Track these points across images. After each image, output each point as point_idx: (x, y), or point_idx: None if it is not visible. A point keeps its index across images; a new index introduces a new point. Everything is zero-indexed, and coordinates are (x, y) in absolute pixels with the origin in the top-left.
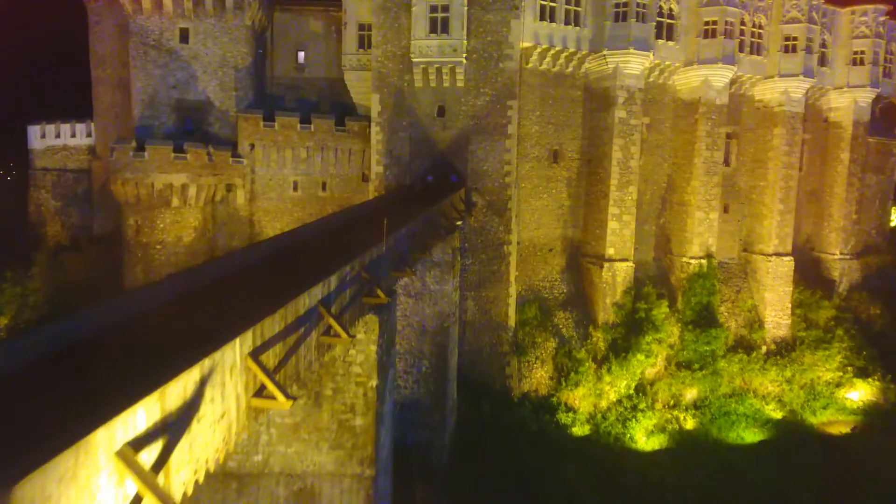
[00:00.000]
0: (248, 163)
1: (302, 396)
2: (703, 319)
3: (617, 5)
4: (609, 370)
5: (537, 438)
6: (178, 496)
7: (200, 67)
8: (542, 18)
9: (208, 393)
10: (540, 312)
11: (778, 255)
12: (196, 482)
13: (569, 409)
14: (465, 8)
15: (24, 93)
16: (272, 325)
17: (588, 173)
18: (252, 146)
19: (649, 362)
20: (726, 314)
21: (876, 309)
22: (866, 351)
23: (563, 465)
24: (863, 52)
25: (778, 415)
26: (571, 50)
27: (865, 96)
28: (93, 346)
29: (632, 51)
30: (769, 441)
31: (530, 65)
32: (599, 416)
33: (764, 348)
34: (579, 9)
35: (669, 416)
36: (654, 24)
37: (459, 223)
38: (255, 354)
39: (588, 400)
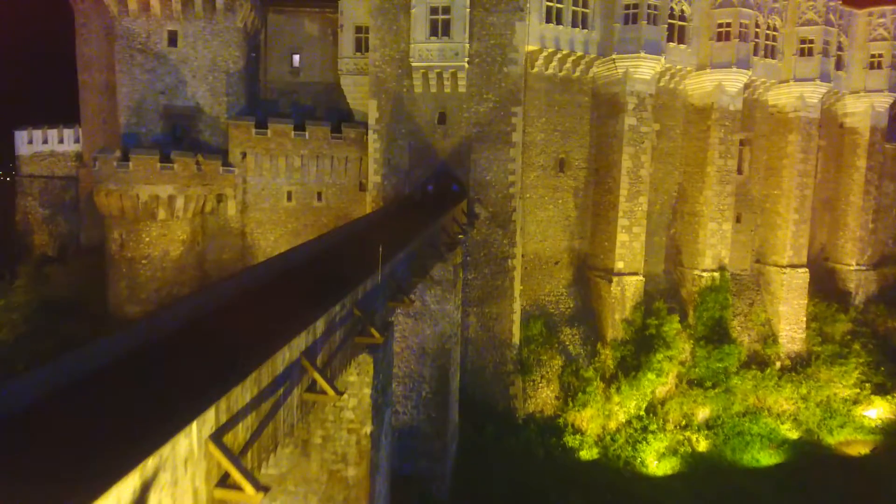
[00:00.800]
0: (239, 172)
1: (287, 445)
2: (716, 335)
3: (627, 7)
4: (618, 390)
5: (543, 464)
6: None
7: (189, 72)
8: (548, 20)
9: (153, 499)
10: (545, 329)
11: (793, 266)
12: None
13: (576, 430)
14: (468, 10)
15: (12, 96)
16: (242, 393)
17: (596, 183)
18: (244, 154)
19: (660, 381)
20: (739, 328)
21: (894, 322)
22: (884, 366)
23: (571, 492)
24: (880, 55)
25: (794, 434)
26: (579, 53)
27: (883, 101)
28: None
29: (642, 54)
30: (785, 464)
31: (535, 69)
32: (608, 438)
33: (778, 364)
34: (587, 10)
35: (681, 437)
36: (666, 26)
37: (461, 236)
38: (219, 436)
39: (596, 421)
